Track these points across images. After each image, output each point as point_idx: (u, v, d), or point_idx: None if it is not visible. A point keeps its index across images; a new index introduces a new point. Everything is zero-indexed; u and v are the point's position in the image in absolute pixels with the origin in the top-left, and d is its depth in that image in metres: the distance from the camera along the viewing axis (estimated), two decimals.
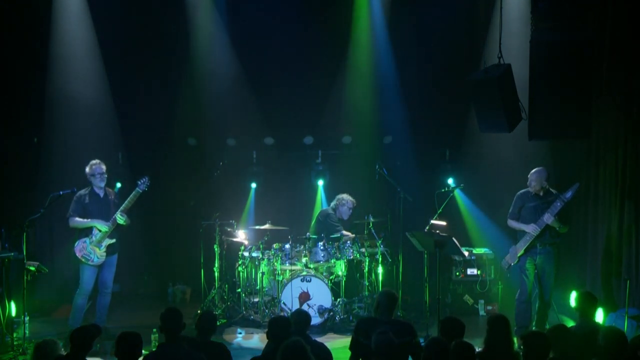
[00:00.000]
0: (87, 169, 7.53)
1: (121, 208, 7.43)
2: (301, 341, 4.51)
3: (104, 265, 7.52)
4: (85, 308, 7.56)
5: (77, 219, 7.45)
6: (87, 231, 7.44)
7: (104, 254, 7.43)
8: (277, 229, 8.84)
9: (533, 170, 7.41)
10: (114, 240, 7.48)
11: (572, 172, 8.74)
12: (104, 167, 7.54)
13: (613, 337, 4.76)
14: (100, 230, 7.39)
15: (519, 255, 7.36)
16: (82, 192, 7.52)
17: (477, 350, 4.73)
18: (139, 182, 7.49)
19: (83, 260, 7.38)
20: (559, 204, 7.14)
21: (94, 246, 7.39)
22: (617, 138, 7.86)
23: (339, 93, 10.05)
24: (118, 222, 7.41)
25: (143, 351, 7.01)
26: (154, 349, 6.96)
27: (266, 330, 5.33)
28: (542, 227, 7.19)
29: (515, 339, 5.75)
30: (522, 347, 4.76)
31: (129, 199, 7.44)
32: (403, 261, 8.73)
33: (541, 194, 7.36)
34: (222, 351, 5.24)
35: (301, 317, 5.52)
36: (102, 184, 7.53)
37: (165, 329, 4.98)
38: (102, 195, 7.56)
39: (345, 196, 9.08)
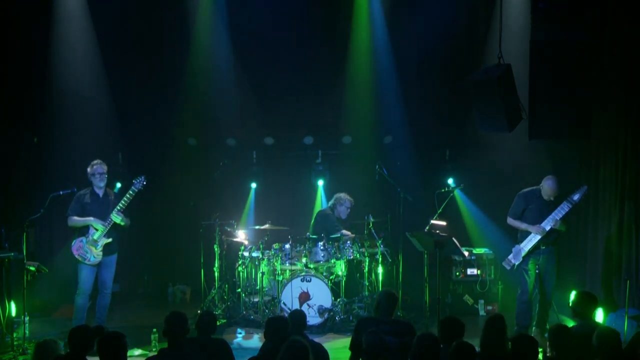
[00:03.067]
0: (88, 169, 7.53)
1: (117, 207, 7.42)
2: (303, 341, 4.51)
3: (103, 265, 7.50)
4: (86, 307, 7.54)
5: (75, 217, 7.44)
6: (84, 230, 7.43)
7: (101, 253, 7.42)
8: (277, 229, 8.82)
9: (549, 181, 7.28)
10: (110, 240, 7.45)
11: (572, 172, 8.74)
12: (104, 167, 7.53)
13: (606, 337, 4.73)
14: (96, 230, 7.39)
15: (523, 255, 7.34)
16: (83, 191, 7.53)
17: (477, 350, 4.72)
18: (135, 181, 7.47)
19: (80, 259, 7.37)
20: (566, 206, 7.12)
21: (91, 245, 7.38)
22: (617, 138, 7.86)
23: (339, 93, 10.03)
24: (114, 220, 7.41)
25: (140, 351, 7.08)
26: (153, 349, 6.99)
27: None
28: (549, 228, 7.16)
29: None
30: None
31: (124, 197, 7.42)
32: (403, 261, 8.73)
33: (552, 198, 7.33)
34: (223, 348, 5.24)
35: (297, 317, 5.53)
36: (102, 184, 7.52)
37: (168, 333, 4.92)
38: (101, 195, 7.55)
39: (343, 195, 9.04)
